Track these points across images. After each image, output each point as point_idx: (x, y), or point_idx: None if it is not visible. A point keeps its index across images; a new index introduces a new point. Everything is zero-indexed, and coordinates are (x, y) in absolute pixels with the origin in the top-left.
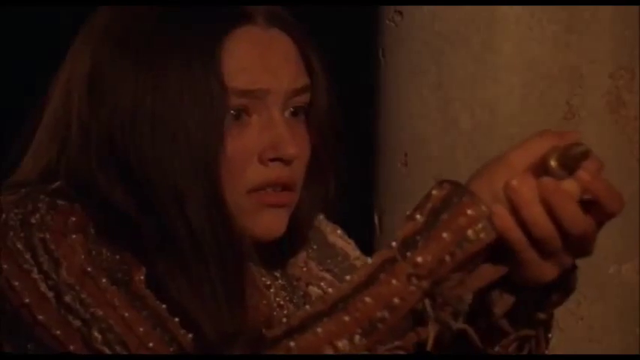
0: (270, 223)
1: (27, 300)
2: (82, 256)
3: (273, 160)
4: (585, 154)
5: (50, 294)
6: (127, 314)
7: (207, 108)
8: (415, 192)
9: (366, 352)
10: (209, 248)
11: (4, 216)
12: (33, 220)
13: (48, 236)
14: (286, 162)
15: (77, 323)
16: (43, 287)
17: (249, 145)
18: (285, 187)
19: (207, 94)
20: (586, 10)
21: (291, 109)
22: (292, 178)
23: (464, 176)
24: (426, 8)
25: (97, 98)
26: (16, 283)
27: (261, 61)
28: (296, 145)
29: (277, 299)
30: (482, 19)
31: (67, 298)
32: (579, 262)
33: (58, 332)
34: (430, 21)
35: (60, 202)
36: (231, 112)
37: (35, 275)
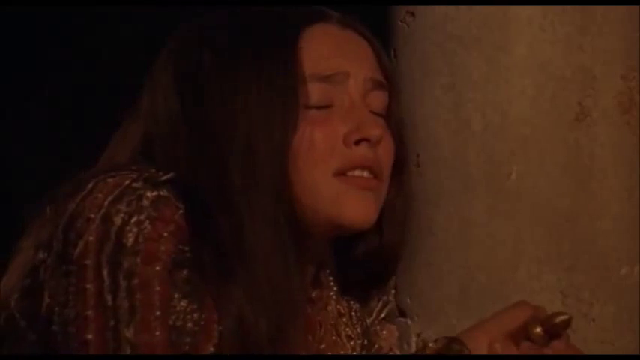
0: (358, 205)
1: (89, 336)
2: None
3: (357, 142)
4: (568, 323)
5: (111, 324)
6: None
7: (285, 97)
8: (427, 193)
9: None
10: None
11: (103, 211)
12: (131, 234)
13: (138, 261)
14: (371, 144)
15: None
16: (107, 321)
17: (333, 130)
18: (372, 171)
19: (285, 83)
20: (598, 12)
21: (371, 110)
22: (378, 163)
23: (475, 177)
24: (438, 9)
25: (187, 100)
26: (89, 313)
27: (339, 49)
28: (379, 127)
29: (339, 322)
30: (494, 20)
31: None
32: (592, 263)
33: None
34: (442, 22)
35: (162, 206)
36: (314, 101)
37: (108, 303)
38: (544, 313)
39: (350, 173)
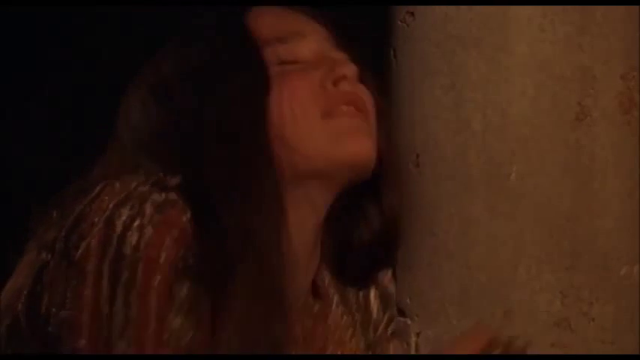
0: (355, 144)
1: (82, 342)
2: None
3: (335, 83)
4: (524, 349)
5: (104, 332)
6: None
7: (247, 62)
8: (426, 193)
9: None
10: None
11: (107, 214)
12: (132, 240)
13: (139, 271)
14: (349, 82)
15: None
16: (104, 326)
17: (307, 77)
18: (357, 106)
19: (241, 52)
20: (598, 12)
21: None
22: (361, 99)
23: (476, 177)
24: (438, 9)
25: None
26: (85, 319)
27: (286, 17)
28: (352, 65)
29: (343, 335)
30: (494, 20)
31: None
32: (592, 263)
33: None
34: (442, 22)
35: (168, 209)
36: (279, 59)
37: (105, 310)
38: (502, 338)
39: (337, 115)
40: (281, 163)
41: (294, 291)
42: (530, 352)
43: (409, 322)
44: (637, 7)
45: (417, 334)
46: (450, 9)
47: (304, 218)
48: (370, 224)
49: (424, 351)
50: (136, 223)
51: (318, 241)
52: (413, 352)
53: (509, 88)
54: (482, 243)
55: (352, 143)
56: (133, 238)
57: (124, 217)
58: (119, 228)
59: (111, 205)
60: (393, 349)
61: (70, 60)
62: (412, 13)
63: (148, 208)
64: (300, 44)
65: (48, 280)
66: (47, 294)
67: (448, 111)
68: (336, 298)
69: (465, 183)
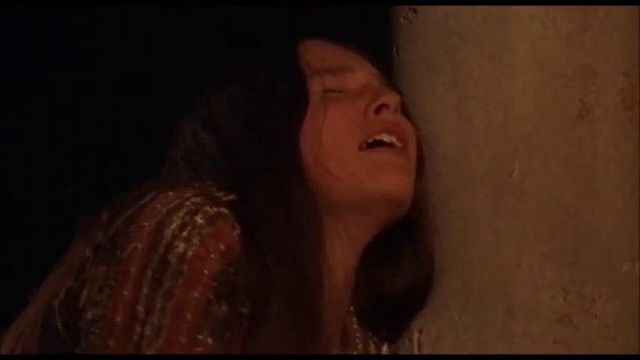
0: (391, 178)
1: (111, 342)
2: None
3: (377, 111)
4: None
5: (137, 333)
6: None
7: (292, 89)
8: (429, 189)
9: None
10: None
11: (158, 219)
12: (179, 250)
13: (180, 283)
14: (391, 111)
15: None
16: (138, 328)
17: (351, 105)
18: (398, 137)
19: (290, 78)
20: (600, 9)
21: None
22: (402, 129)
23: (478, 174)
24: (440, 6)
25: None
26: (118, 319)
27: (338, 52)
28: (396, 95)
29: None
30: (496, 17)
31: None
32: (594, 259)
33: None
34: (444, 19)
35: (218, 222)
36: (327, 87)
37: (141, 316)
38: None
39: (377, 137)
40: (317, 190)
41: (324, 327)
42: (532, 348)
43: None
44: (638, 5)
45: (420, 331)
46: (453, 7)
47: (337, 253)
48: (404, 273)
49: (426, 348)
50: (185, 232)
51: (350, 283)
52: (415, 349)
53: (512, 85)
54: (485, 240)
55: (389, 177)
56: (180, 247)
57: (174, 225)
58: (168, 235)
59: (163, 211)
60: None
61: (70, 60)
62: (415, 11)
63: (199, 219)
64: (348, 76)
65: (89, 277)
66: (86, 290)
67: (450, 108)
68: (360, 347)
69: (467, 180)
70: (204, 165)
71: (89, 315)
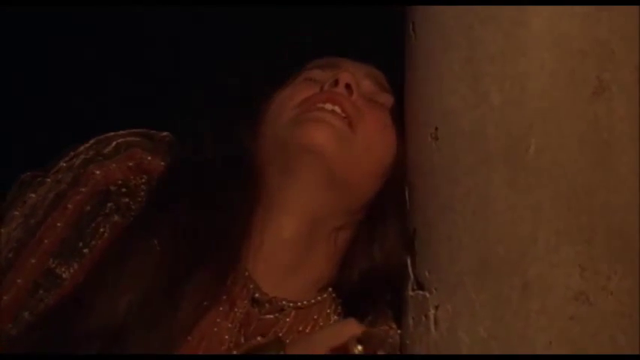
0: (311, 130)
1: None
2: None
3: (332, 86)
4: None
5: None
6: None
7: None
8: (445, 166)
9: None
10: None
11: (86, 145)
12: (86, 157)
13: (82, 178)
14: (341, 86)
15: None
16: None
17: (315, 83)
18: (345, 110)
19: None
20: None
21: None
22: (352, 103)
23: (494, 151)
24: None
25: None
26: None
27: (334, 58)
28: (350, 73)
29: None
30: None
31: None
32: (610, 236)
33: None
34: None
35: (134, 148)
36: (309, 76)
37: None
38: (367, 333)
39: (320, 105)
40: (254, 153)
41: (257, 277)
42: (548, 325)
43: (428, 295)
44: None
45: (436, 307)
46: None
47: (277, 213)
48: (358, 265)
49: (443, 324)
50: (100, 151)
51: (311, 254)
52: (432, 326)
53: (528, 62)
54: (501, 216)
55: (310, 128)
56: (88, 158)
57: (94, 147)
58: (84, 153)
59: (92, 141)
60: None
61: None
62: None
63: (116, 144)
64: (334, 71)
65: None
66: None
67: (466, 85)
68: (327, 319)
69: (483, 156)
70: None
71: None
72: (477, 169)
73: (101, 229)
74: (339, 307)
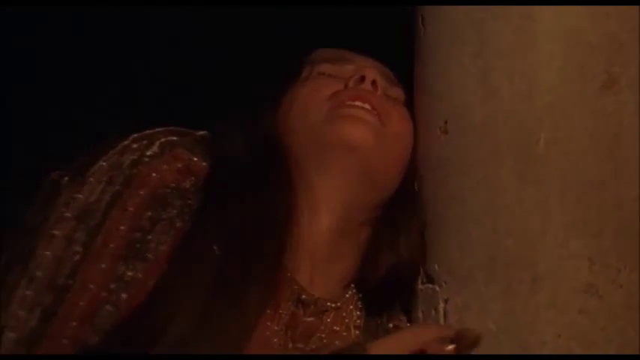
0: (348, 125)
1: (56, 232)
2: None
3: (357, 82)
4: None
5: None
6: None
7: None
8: (454, 160)
9: None
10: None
11: (125, 143)
12: (134, 158)
13: (134, 180)
14: (368, 83)
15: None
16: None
17: (335, 81)
18: (374, 106)
19: (294, 68)
20: None
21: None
22: (382, 104)
23: (503, 144)
24: None
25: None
26: (68, 215)
27: (343, 51)
28: (374, 70)
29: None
30: None
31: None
32: (619, 229)
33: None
34: None
35: (178, 148)
36: (322, 70)
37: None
38: (460, 333)
39: (349, 102)
40: (285, 146)
41: (299, 277)
42: (558, 318)
43: (437, 288)
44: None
45: (445, 301)
46: None
47: (312, 208)
48: (382, 258)
49: (452, 317)
50: (149, 152)
51: (341, 250)
52: (441, 319)
53: (537, 55)
54: (510, 209)
55: (346, 124)
56: (136, 158)
57: (136, 145)
58: (129, 153)
59: (130, 139)
60: None
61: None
62: None
63: (160, 144)
64: (344, 65)
65: (56, 195)
66: (47, 207)
67: (476, 78)
68: (353, 319)
69: (492, 150)
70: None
71: (48, 220)
72: (486, 162)
73: (164, 236)
74: (360, 303)
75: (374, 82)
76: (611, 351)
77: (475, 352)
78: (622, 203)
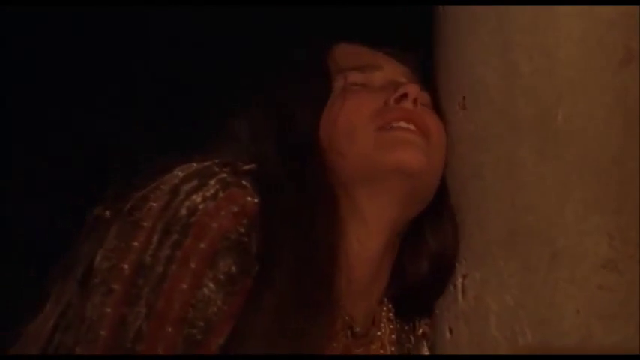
0: (402, 151)
1: (115, 286)
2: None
3: (398, 100)
4: None
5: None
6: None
7: (317, 83)
8: (473, 135)
9: None
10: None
11: (175, 182)
12: (191, 206)
13: (189, 234)
14: (415, 104)
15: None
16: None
17: (372, 96)
18: (417, 125)
19: (317, 74)
20: None
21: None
22: (423, 120)
23: (523, 120)
24: None
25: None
26: (125, 266)
27: (369, 52)
28: (417, 86)
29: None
30: None
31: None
32: (638, 205)
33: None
34: None
35: (232, 187)
36: (351, 81)
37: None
38: None
39: (395, 124)
40: (332, 169)
41: (348, 306)
42: (577, 293)
43: (456, 264)
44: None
45: (464, 276)
46: None
47: (355, 234)
48: (424, 258)
49: (471, 293)
50: (200, 193)
51: (382, 266)
52: (459, 295)
53: (556, 31)
54: (529, 185)
55: (399, 151)
56: (192, 204)
57: (188, 187)
58: (182, 195)
59: (180, 176)
60: None
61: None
62: None
63: (214, 182)
64: (374, 73)
65: (105, 236)
66: (102, 249)
67: (495, 55)
68: (388, 336)
69: (512, 125)
70: (232, 147)
71: (99, 266)
72: (505, 138)
73: (227, 296)
74: (391, 314)
75: (415, 100)
76: (630, 326)
77: (494, 326)
78: None
